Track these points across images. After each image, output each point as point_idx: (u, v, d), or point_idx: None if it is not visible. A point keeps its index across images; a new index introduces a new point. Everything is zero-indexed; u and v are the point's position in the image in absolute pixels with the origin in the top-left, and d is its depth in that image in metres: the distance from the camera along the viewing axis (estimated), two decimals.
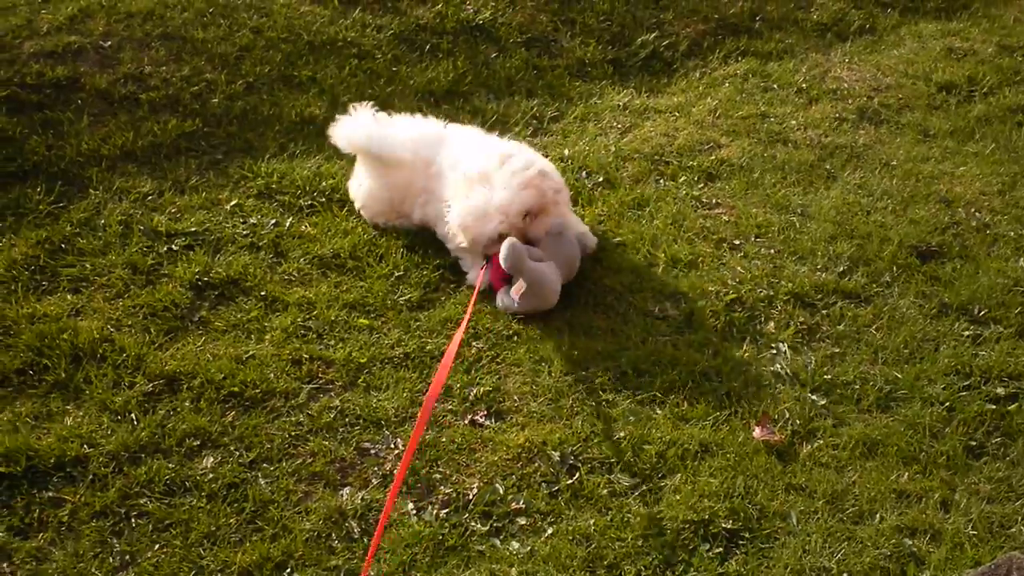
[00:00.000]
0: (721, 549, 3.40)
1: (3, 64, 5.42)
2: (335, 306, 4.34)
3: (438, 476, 3.65)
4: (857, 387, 4.02)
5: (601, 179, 5.21)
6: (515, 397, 3.97)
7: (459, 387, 3.99)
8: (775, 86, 6.15)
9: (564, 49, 6.34)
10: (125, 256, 4.51)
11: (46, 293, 4.34)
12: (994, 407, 3.93)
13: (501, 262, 4.24)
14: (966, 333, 4.29)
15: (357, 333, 4.23)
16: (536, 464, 3.69)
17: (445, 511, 3.52)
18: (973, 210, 5.05)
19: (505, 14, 6.43)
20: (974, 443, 3.81)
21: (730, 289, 4.47)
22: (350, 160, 5.00)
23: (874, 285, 4.54)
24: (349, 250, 4.65)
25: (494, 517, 3.51)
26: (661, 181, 5.25)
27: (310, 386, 3.98)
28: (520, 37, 6.33)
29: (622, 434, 3.79)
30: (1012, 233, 4.88)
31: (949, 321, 4.35)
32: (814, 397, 3.97)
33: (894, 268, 4.63)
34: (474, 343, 4.21)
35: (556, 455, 3.71)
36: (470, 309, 4.00)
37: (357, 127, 4.74)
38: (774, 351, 4.19)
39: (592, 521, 3.48)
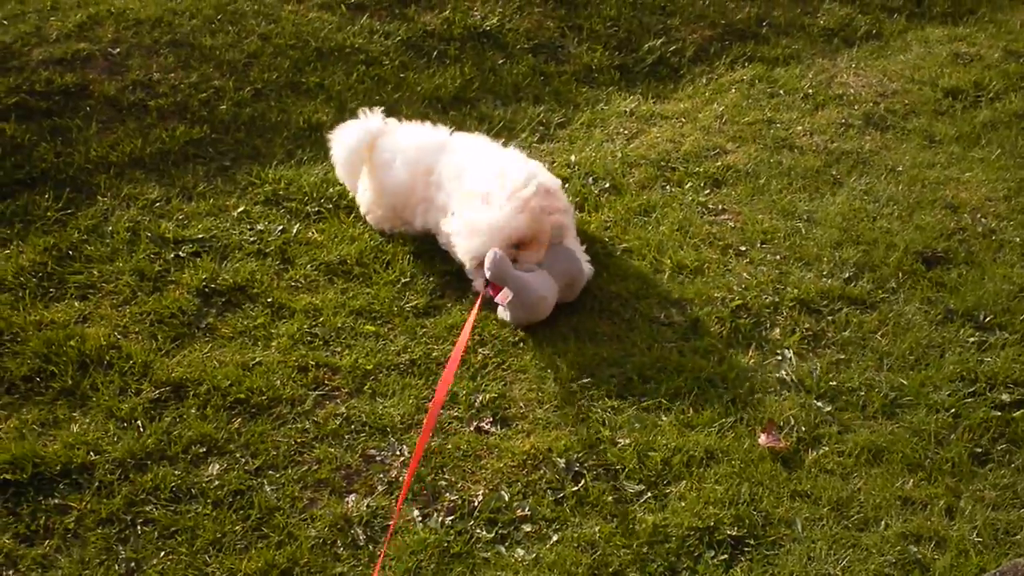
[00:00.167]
0: (726, 556, 3.40)
1: (12, 71, 5.45)
2: (341, 313, 4.35)
3: (443, 483, 3.65)
4: (862, 393, 4.02)
5: (607, 185, 5.22)
6: (521, 404, 3.98)
7: (465, 394, 4.00)
8: (781, 92, 6.14)
9: (571, 55, 6.35)
10: (132, 263, 4.53)
11: (53, 300, 4.36)
12: (999, 414, 3.92)
13: (485, 270, 4.20)
14: (972, 339, 4.28)
15: (363, 340, 4.24)
16: (541, 471, 3.70)
17: (450, 518, 3.52)
18: (979, 216, 5.04)
19: (512, 20, 6.44)
20: (979, 450, 3.80)
21: (736, 295, 4.47)
22: None
23: (880, 291, 4.54)
24: (356, 257, 4.67)
25: (499, 524, 3.51)
26: (667, 187, 5.25)
27: (316, 393, 3.99)
28: (527, 43, 6.34)
29: (627, 441, 3.79)
30: (1018, 239, 4.87)
31: (955, 327, 4.34)
32: (819, 404, 3.96)
33: (900, 274, 4.62)
34: (480, 349, 4.21)
35: (561, 462, 3.71)
36: (472, 316, 4.00)
37: (351, 132, 4.79)
38: (779, 357, 4.19)
39: (597, 528, 3.48)
